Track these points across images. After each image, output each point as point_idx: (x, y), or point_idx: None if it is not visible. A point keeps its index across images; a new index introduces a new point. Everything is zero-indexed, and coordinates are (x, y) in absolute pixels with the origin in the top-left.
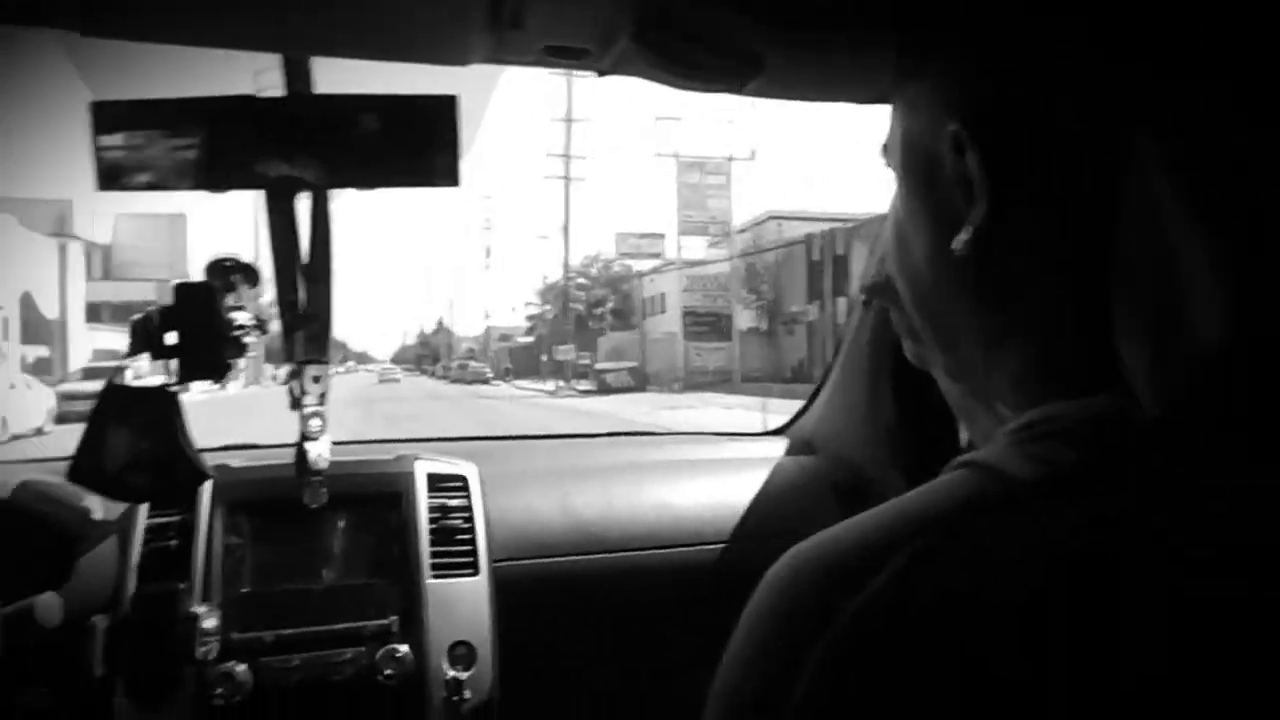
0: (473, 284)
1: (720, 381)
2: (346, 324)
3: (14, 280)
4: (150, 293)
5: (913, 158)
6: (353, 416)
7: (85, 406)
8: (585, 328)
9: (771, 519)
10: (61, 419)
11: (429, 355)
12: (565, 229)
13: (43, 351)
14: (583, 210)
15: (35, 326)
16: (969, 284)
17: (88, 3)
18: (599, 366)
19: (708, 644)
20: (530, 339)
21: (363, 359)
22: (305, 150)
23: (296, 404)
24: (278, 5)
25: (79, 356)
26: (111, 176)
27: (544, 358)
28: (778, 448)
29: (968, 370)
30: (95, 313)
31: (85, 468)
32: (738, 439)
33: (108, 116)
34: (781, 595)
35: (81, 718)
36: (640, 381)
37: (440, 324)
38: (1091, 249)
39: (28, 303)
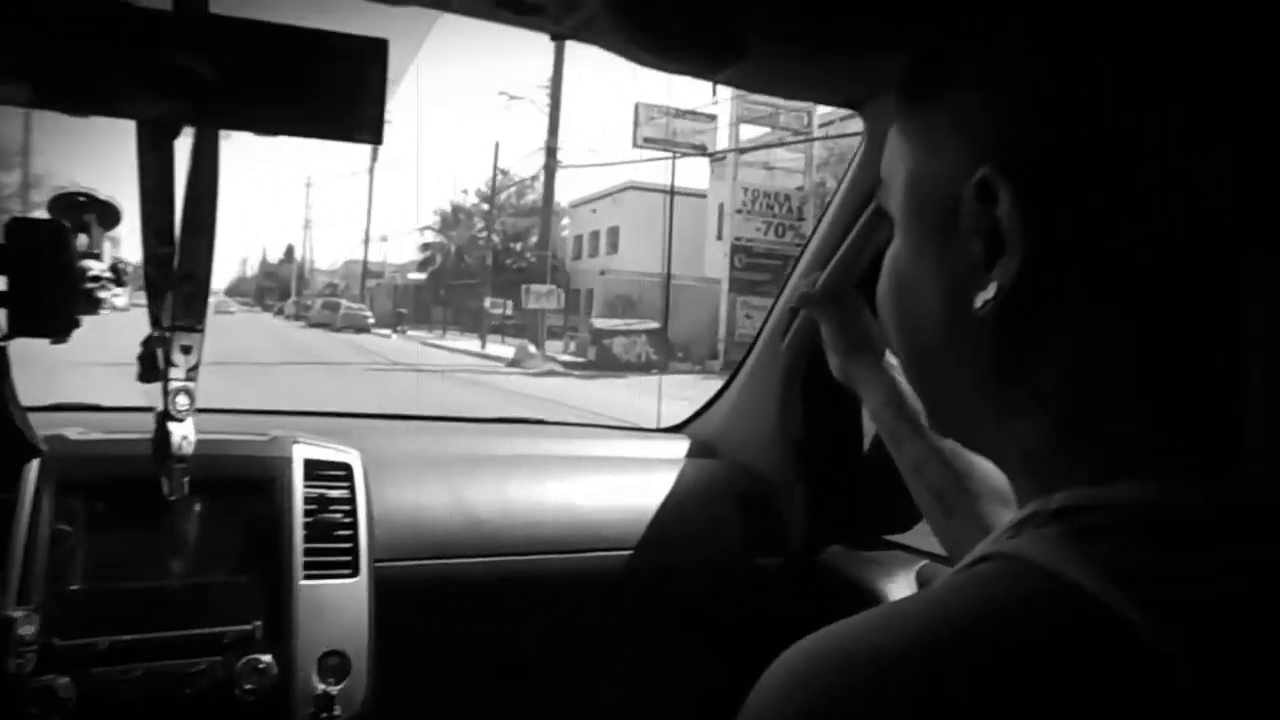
0: (340, 203)
1: None
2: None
3: None
4: None
5: (924, 201)
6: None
7: None
8: (502, 268)
9: (675, 526)
10: None
11: (275, 289)
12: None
13: None
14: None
15: None
16: (985, 347)
17: None
18: (600, 325)
19: (606, 655)
20: (422, 276)
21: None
22: (195, 80)
23: (155, 375)
24: None
25: None
26: None
27: (441, 308)
28: (679, 447)
29: (969, 434)
30: None
31: None
32: (636, 434)
33: None
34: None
35: None
36: (664, 353)
37: (290, 252)
38: (1154, 313)
39: None
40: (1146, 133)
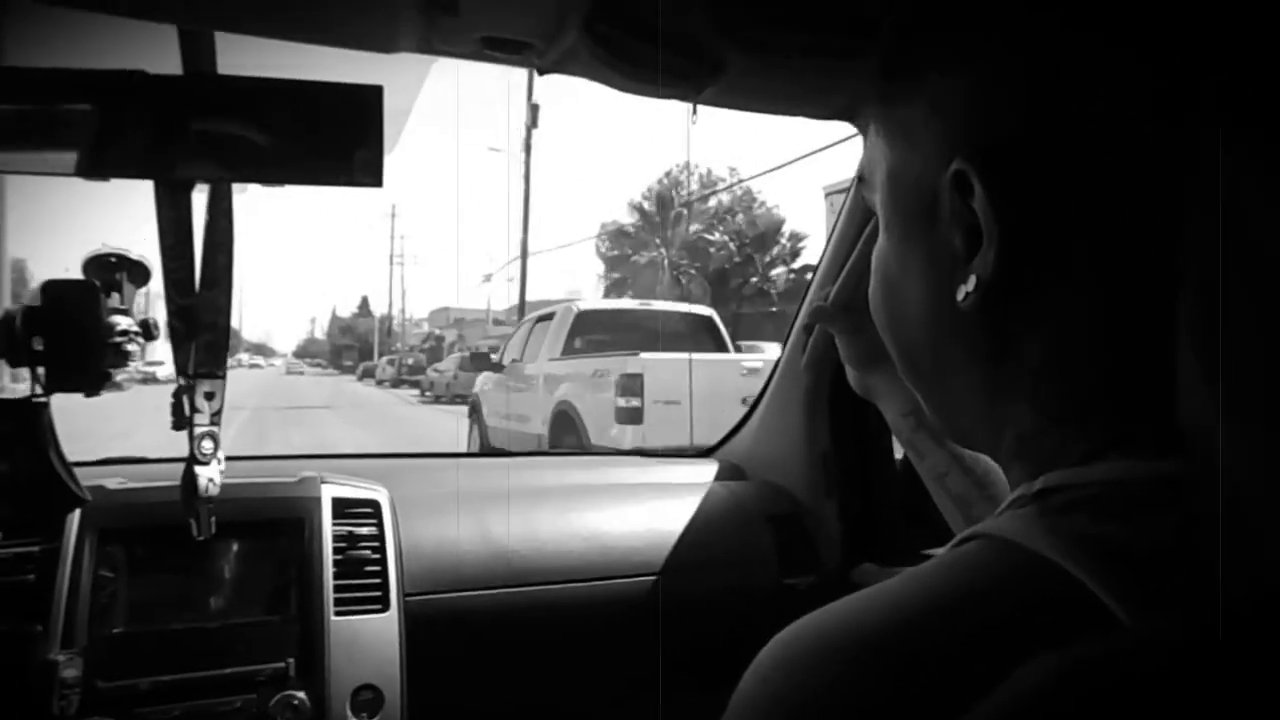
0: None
1: None
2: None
3: None
4: None
5: (904, 197)
6: None
7: None
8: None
9: (705, 549)
10: None
11: (355, 346)
12: None
13: None
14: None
15: None
16: (970, 338)
17: None
18: None
19: (632, 680)
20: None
21: (261, 351)
22: (205, 138)
23: (184, 423)
24: None
25: None
26: None
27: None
28: (707, 471)
29: (964, 427)
30: None
31: None
32: (664, 461)
33: None
34: (816, 681)
35: None
36: None
37: (365, 304)
38: (1121, 297)
39: None
40: (1115, 117)
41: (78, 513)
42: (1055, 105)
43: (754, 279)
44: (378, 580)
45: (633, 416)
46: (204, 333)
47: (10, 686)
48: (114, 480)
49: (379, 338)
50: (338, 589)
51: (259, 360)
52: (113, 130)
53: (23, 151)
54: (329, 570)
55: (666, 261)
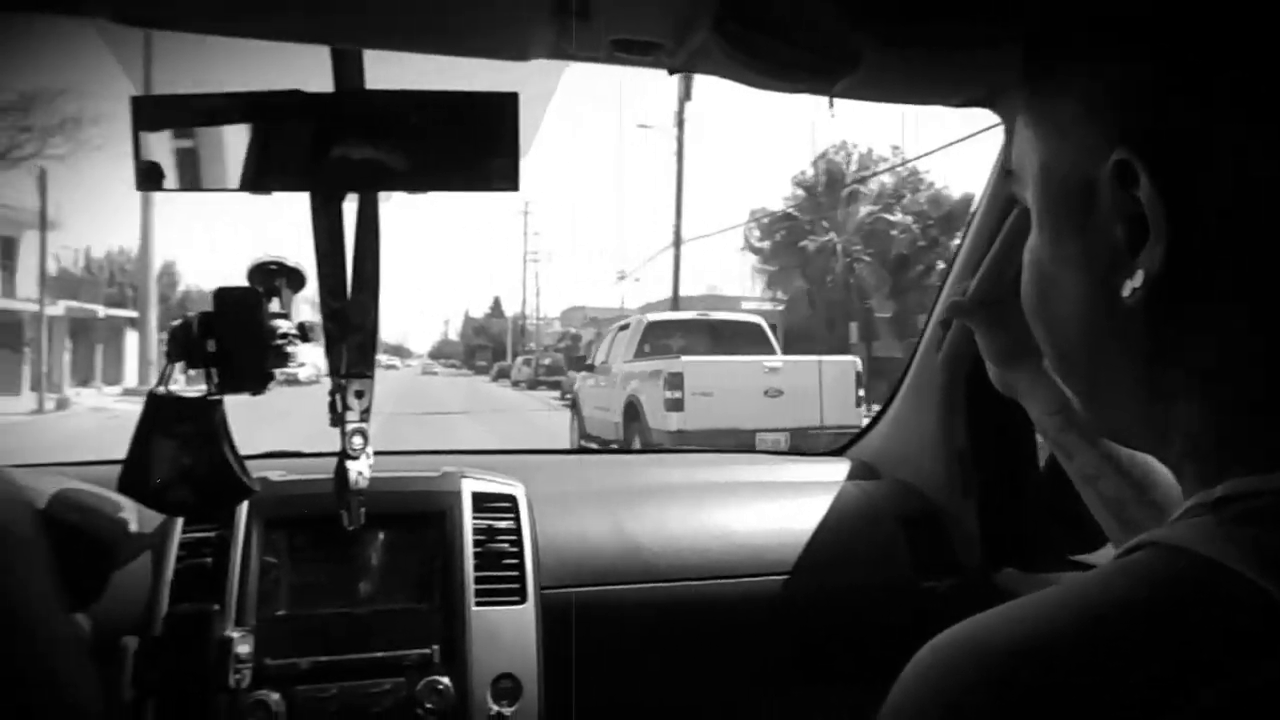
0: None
1: None
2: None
3: None
4: None
5: (1059, 190)
6: None
7: None
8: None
9: (836, 549)
10: None
11: (488, 347)
12: None
13: None
14: None
15: None
16: (1133, 335)
17: None
18: None
19: (763, 678)
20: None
21: (398, 352)
22: (355, 150)
23: (339, 420)
24: None
25: None
26: (151, 176)
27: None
28: (839, 470)
29: (1122, 427)
30: None
31: (131, 479)
32: (797, 460)
33: (148, 112)
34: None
35: None
36: None
37: (497, 304)
38: None
39: None
40: None
41: (246, 502)
42: (1229, 93)
43: (940, 265)
44: (515, 573)
45: (675, 405)
46: (354, 334)
47: (192, 659)
48: (276, 472)
49: (512, 337)
50: (478, 580)
51: (395, 361)
52: (274, 147)
53: (193, 172)
54: (469, 562)
55: (839, 247)
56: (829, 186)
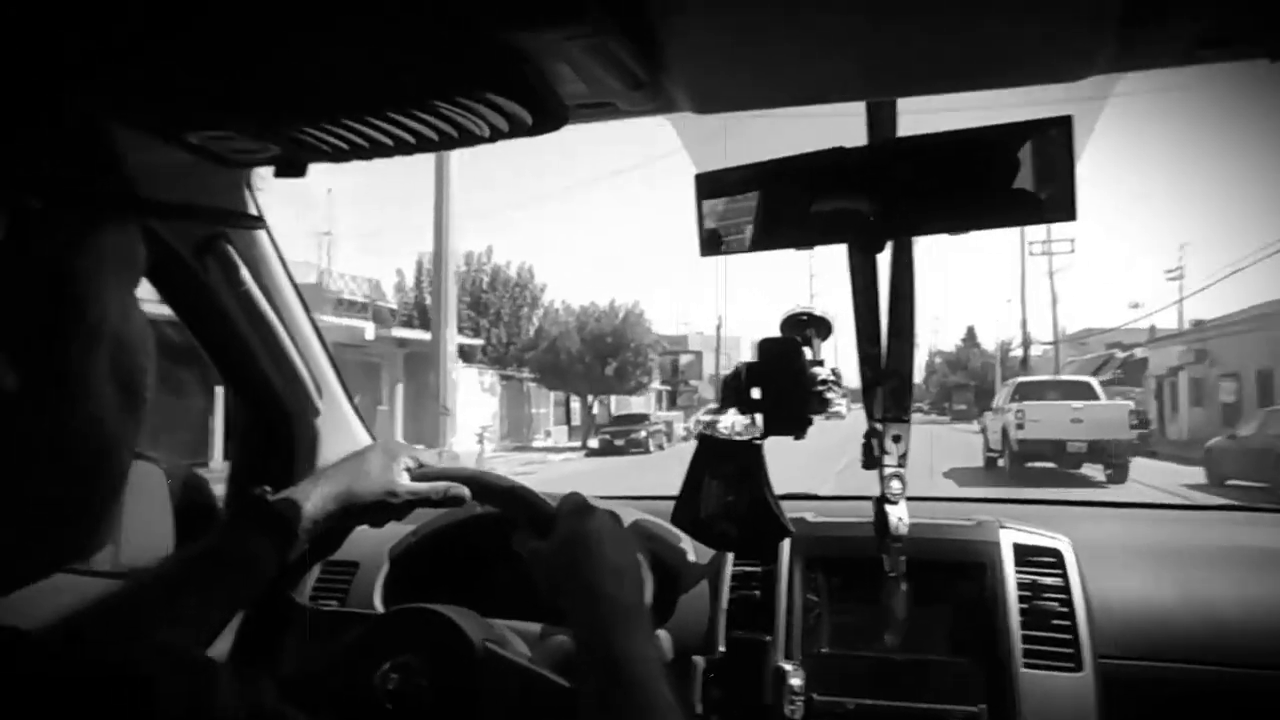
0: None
1: None
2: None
3: None
4: None
5: None
6: None
7: None
8: None
9: None
10: None
11: (968, 385)
12: None
13: None
14: None
15: None
16: None
17: (696, 88)
18: None
19: None
20: None
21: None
22: (896, 197)
23: (874, 463)
24: (877, 52)
25: None
26: (712, 243)
27: None
28: None
29: None
30: None
31: (683, 513)
32: None
33: (708, 185)
34: None
35: None
36: None
37: (971, 334)
38: None
39: None
40: None
41: (787, 541)
42: None
43: None
44: (1068, 636)
45: (1020, 426)
46: (889, 380)
47: (750, 684)
48: (811, 513)
49: (1000, 372)
50: (1025, 640)
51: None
52: (819, 203)
53: (744, 235)
54: (1014, 619)
55: None
56: None
